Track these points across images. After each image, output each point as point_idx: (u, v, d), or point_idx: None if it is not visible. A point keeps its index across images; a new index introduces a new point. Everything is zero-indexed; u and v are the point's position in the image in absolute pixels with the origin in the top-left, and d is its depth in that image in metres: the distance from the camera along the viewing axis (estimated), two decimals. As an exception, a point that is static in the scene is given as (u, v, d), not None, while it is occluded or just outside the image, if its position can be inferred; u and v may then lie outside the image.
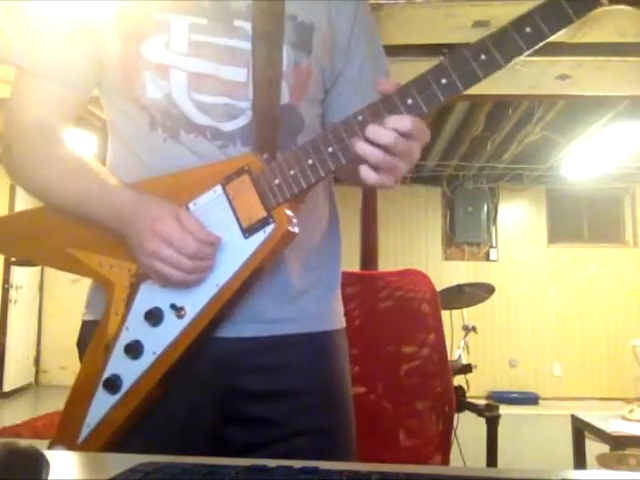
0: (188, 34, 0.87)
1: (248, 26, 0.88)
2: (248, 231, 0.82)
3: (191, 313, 0.82)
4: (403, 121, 0.76)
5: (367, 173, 0.77)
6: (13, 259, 1.02)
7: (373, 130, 0.76)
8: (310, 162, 0.80)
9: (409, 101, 0.76)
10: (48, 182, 0.89)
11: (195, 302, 0.83)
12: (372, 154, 0.76)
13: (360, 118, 0.78)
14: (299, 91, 0.91)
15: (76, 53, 0.91)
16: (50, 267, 0.99)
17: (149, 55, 0.87)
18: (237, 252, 0.82)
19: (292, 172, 0.81)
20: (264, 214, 0.82)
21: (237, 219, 0.83)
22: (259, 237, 0.82)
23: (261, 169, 0.83)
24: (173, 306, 0.83)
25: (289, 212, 0.82)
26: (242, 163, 0.83)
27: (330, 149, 0.79)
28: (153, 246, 0.80)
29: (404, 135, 0.76)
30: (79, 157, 0.89)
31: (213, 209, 0.83)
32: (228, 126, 0.88)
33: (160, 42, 0.86)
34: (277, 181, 0.81)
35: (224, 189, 0.83)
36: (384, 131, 0.76)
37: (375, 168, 0.77)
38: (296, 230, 0.83)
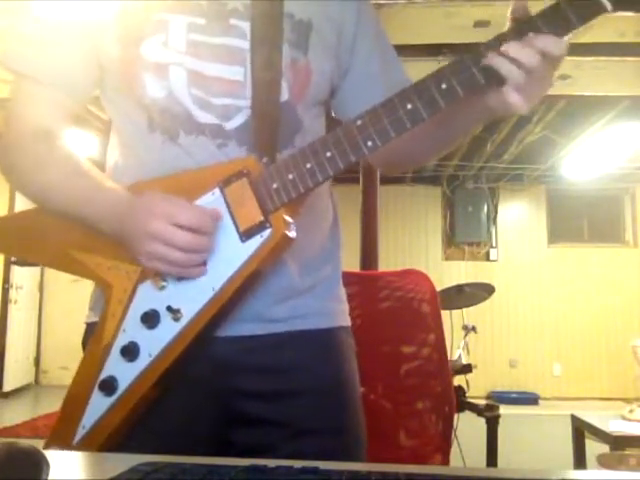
0: (186, 33, 0.87)
1: (244, 25, 0.88)
2: (245, 235, 0.81)
3: (187, 316, 0.82)
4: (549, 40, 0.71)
5: (510, 94, 0.73)
6: (13, 259, 1.03)
7: (514, 48, 0.72)
8: (309, 166, 0.80)
9: (409, 106, 0.76)
10: (45, 186, 0.89)
11: (191, 305, 0.82)
12: (512, 72, 0.72)
13: (359, 123, 0.78)
14: (299, 89, 0.91)
15: (75, 58, 0.90)
16: (50, 267, 0.99)
17: (148, 55, 0.87)
18: (233, 256, 0.81)
19: (290, 176, 0.80)
20: (261, 218, 0.81)
21: (234, 222, 0.82)
22: (256, 241, 0.81)
23: (260, 173, 0.82)
24: (169, 308, 0.82)
25: (287, 217, 0.81)
26: (241, 166, 0.83)
27: (328, 154, 0.79)
28: (149, 247, 0.79)
29: (546, 57, 0.72)
30: (75, 161, 0.89)
31: None
32: (227, 125, 0.87)
33: (158, 41, 0.86)
34: (275, 185, 0.81)
35: (222, 192, 0.83)
36: (528, 49, 0.71)
37: (517, 89, 0.74)
38: (294, 235, 0.82)
